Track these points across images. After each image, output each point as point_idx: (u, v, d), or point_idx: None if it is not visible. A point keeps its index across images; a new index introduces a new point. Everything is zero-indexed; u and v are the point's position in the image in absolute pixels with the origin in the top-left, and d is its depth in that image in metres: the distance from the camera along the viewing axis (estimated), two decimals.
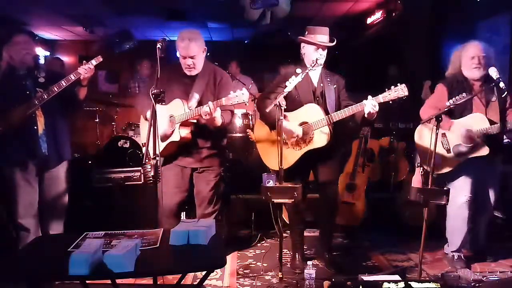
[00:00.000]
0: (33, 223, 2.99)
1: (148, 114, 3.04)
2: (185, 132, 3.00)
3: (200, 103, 2.99)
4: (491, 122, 3.03)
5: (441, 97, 3.17)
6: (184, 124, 2.97)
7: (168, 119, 2.99)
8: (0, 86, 2.87)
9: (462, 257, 3.25)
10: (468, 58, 3.13)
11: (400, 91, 2.80)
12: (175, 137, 2.97)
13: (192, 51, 2.96)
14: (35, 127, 2.90)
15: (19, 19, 6.55)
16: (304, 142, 3.07)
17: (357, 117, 2.98)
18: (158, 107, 3.03)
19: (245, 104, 2.80)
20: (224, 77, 3.15)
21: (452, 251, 3.28)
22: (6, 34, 2.90)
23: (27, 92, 2.89)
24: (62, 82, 2.87)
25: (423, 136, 3.28)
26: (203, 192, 3.19)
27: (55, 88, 2.85)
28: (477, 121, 3.05)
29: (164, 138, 3.00)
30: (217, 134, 3.15)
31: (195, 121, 3.00)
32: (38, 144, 2.92)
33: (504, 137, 3.25)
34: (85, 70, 2.90)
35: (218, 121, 2.93)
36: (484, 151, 3.05)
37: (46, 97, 2.85)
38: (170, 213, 3.14)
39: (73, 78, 2.89)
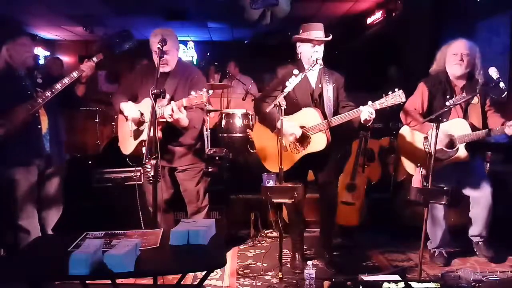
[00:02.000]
0: (33, 224, 2.98)
1: (121, 104, 2.99)
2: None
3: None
4: (472, 127, 3.04)
5: (421, 96, 3.19)
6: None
7: (139, 117, 2.98)
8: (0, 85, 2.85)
9: (444, 253, 3.33)
10: (450, 55, 3.14)
11: (397, 97, 2.78)
12: (144, 136, 2.92)
13: (167, 45, 2.91)
14: (39, 127, 2.91)
15: (18, 19, 6.54)
16: (302, 146, 3.06)
17: (354, 121, 2.98)
18: (130, 105, 3.00)
19: (205, 105, 2.79)
20: (197, 75, 3.09)
21: (433, 248, 3.38)
22: (9, 34, 2.87)
23: (28, 92, 2.89)
24: (65, 79, 2.90)
25: (406, 136, 3.36)
26: (189, 189, 3.19)
27: (58, 86, 2.87)
28: (458, 127, 3.06)
29: (136, 136, 3.01)
30: (190, 132, 3.09)
31: (164, 120, 2.92)
32: (42, 144, 2.93)
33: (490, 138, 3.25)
34: (88, 66, 2.99)
35: (184, 122, 2.88)
36: (463, 155, 3.06)
37: (49, 95, 2.86)
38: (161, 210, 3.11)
39: (75, 75, 2.94)
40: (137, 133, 3.02)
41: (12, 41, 2.84)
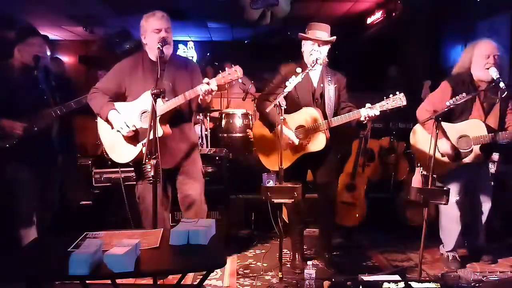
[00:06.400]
0: (31, 229, 3.01)
1: (109, 114, 2.74)
2: (165, 125, 2.73)
3: (174, 92, 2.75)
4: (489, 128, 2.96)
5: (444, 95, 3.01)
6: (162, 118, 2.67)
7: (139, 116, 2.74)
8: (18, 86, 2.90)
9: (457, 257, 3.24)
10: (481, 57, 2.94)
11: (398, 100, 2.78)
12: (158, 133, 2.53)
13: (166, 23, 2.82)
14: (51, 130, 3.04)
15: (19, 19, 6.54)
16: (301, 146, 3.05)
17: (352, 120, 2.96)
18: (124, 104, 2.79)
19: (239, 81, 2.66)
20: (193, 64, 3.05)
21: (447, 251, 3.29)
22: (18, 35, 2.94)
23: (45, 97, 2.99)
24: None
25: (419, 137, 3.24)
26: (188, 193, 2.97)
27: (73, 104, 3.00)
28: (474, 128, 2.98)
29: (135, 142, 2.77)
30: (191, 130, 3.01)
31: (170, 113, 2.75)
32: (52, 146, 3.06)
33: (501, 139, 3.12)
34: None
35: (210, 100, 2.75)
36: (478, 156, 3.00)
37: (74, 105, 3.00)
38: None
39: None
40: (135, 138, 2.77)
41: (22, 42, 2.90)
